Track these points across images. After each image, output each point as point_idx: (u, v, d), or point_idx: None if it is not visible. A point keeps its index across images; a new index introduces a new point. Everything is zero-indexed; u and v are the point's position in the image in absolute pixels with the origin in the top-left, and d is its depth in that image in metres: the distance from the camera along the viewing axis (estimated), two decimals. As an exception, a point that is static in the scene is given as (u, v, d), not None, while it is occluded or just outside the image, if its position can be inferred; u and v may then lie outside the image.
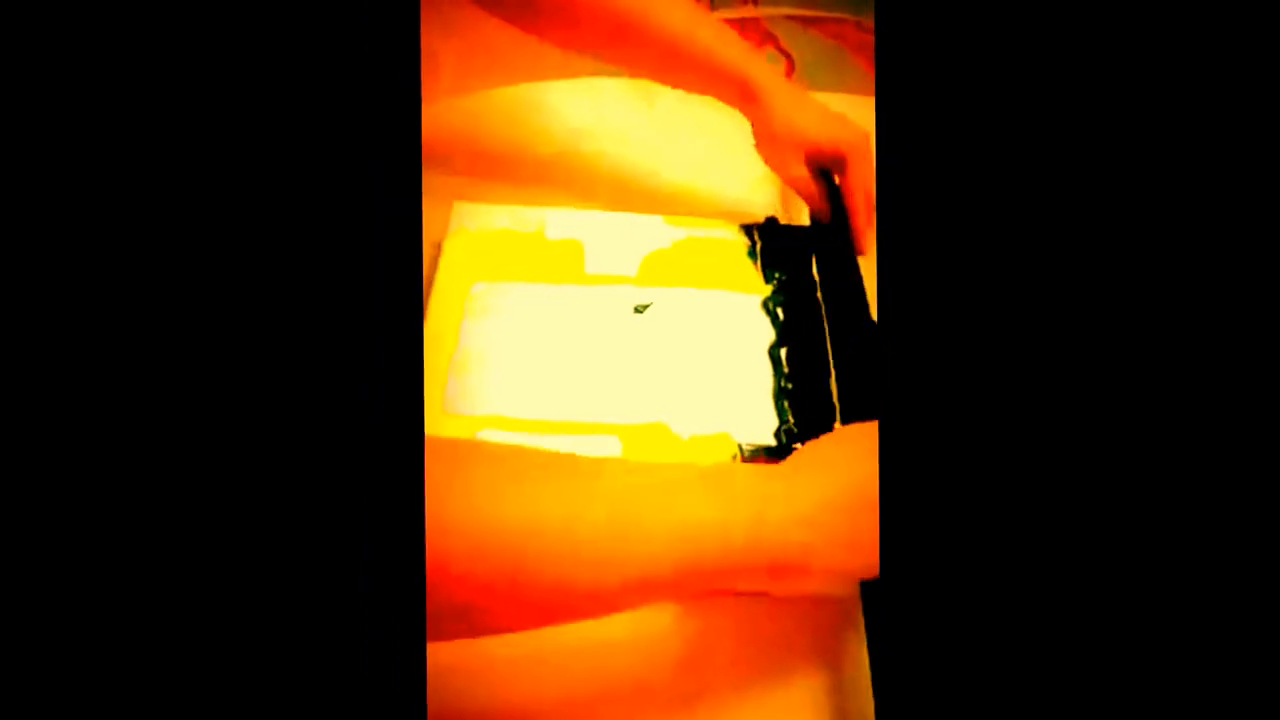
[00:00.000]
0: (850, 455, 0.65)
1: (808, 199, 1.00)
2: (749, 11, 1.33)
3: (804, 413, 0.80)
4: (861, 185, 0.97)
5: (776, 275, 0.92)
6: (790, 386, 0.81)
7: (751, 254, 0.96)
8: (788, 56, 1.28)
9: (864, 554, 0.60)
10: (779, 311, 0.89)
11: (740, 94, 0.99)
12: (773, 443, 0.77)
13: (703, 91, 1.01)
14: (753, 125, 1.00)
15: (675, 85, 1.02)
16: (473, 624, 0.61)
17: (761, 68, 0.99)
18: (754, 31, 1.30)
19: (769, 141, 1.00)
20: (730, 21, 1.37)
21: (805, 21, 1.32)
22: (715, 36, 1.00)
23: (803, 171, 0.99)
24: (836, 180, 0.98)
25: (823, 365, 0.85)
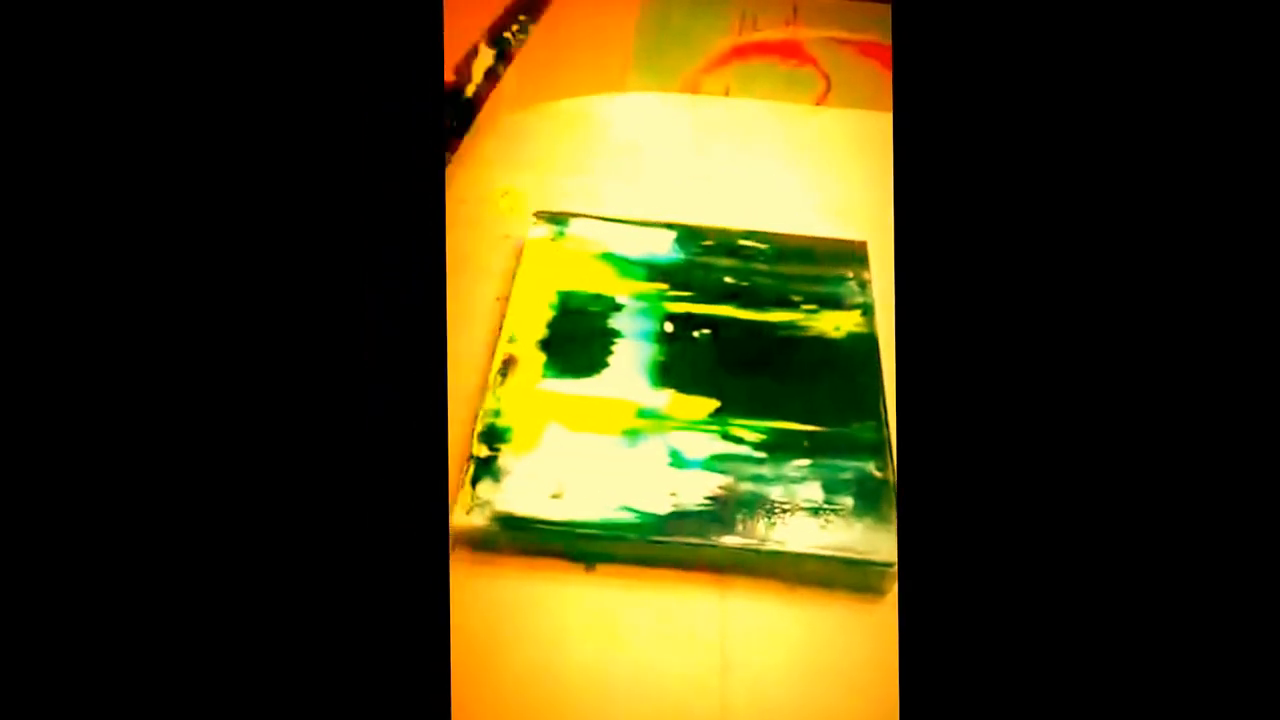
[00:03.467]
0: None
1: None
2: (789, 33, 1.37)
3: None
4: None
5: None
6: None
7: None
8: (826, 77, 1.32)
9: None
10: None
11: None
12: None
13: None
14: None
15: None
16: None
17: None
18: (794, 52, 1.35)
19: None
20: (770, 43, 1.41)
21: (841, 43, 1.36)
22: None
23: None
24: None
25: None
